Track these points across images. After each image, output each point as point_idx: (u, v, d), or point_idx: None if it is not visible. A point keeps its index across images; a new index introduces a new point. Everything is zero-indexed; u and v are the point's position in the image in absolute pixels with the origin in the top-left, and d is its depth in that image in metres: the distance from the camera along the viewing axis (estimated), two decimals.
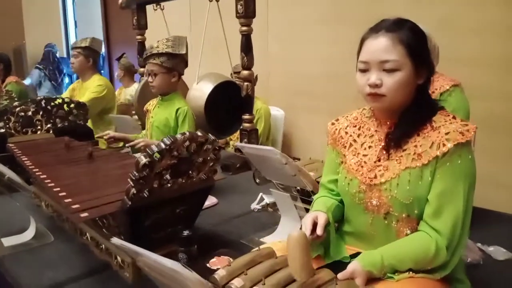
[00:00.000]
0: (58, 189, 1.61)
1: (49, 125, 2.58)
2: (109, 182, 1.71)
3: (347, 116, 1.41)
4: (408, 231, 1.19)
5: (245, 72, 2.91)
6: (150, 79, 2.38)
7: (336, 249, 1.28)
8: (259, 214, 2.19)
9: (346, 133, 1.37)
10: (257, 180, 2.22)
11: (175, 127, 2.39)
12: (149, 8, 3.70)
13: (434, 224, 1.13)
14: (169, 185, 1.43)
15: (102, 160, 2.05)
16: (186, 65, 2.46)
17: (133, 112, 4.19)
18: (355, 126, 1.36)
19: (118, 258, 1.53)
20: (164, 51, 2.31)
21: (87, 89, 3.46)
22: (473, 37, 2.67)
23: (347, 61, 3.44)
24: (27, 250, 1.80)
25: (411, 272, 1.13)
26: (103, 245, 1.63)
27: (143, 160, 1.29)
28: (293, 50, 3.83)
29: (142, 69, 3.90)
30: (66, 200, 1.48)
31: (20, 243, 1.84)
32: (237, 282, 1.01)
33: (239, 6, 2.81)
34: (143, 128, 2.97)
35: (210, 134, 1.46)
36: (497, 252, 1.70)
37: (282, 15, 3.92)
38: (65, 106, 2.71)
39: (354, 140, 1.34)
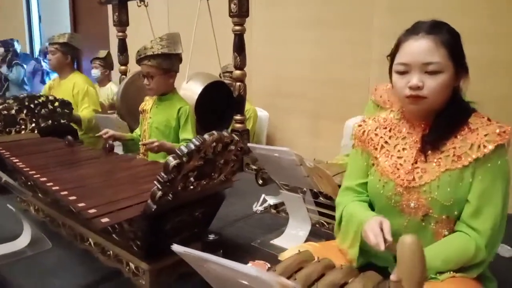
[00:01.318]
0: (66, 192, 1.51)
1: (33, 125, 2.43)
2: (118, 185, 1.63)
3: (374, 118, 1.40)
4: (446, 232, 1.20)
5: (238, 72, 2.87)
6: (146, 81, 2.27)
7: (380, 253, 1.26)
8: (262, 216, 2.16)
9: (376, 135, 1.36)
10: (260, 181, 2.19)
11: (177, 127, 2.31)
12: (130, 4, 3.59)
13: (473, 224, 1.15)
14: (192, 187, 1.37)
15: (103, 161, 1.95)
16: (181, 61, 2.38)
17: (109, 112, 4.06)
18: (385, 128, 1.36)
19: (131, 265, 1.47)
20: (160, 52, 2.21)
21: (65, 88, 3.28)
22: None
23: (331, 63, 3.56)
24: (24, 258, 1.68)
25: (452, 272, 1.14)
26: (111, 251, 1.55)
27: (173, 161, 1.23)
28: (277, 51, 3.81)
29: (123, 67, 3.77)
30: (80, 205, 1.39)
31: (15, 251, 1.71)
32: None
33: (232, 5, 2.77)
34: (131, 129, 2.86)
35: (233, 135, 1.41)
36: (503, 250, 1.76)
37: (266, 16, 3.91)
38: (49, 104, 2.56)
39: (386, 142, 1.33)
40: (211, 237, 1.32)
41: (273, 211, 2.18)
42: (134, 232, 1.41)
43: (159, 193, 1.26)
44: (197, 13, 2.97)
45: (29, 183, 1.93)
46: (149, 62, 2.22)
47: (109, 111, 4.06)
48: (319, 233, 1.90)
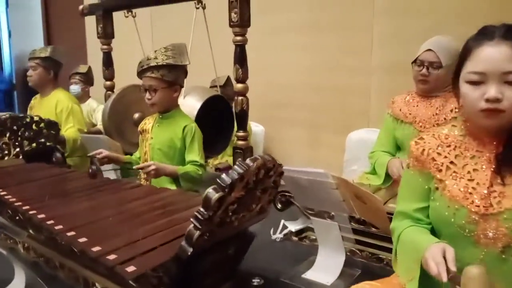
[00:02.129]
0: (73, 233, 1.26)
1: (17, 149, 2.15)
2: (131, 219, 1.39)
3: (433, 134, 1.23)
4: None
5: (240, 86, 2.66)
6: (148, 95, 2.04)
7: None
8: (283, 245, 1.96)
9: (439, 154, 1.19)
10: (279, 206, 1.99)
11: (182, 148, 2.07)
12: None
13: None
14: (229, 222, 1.16)
15: (106, 190, 1.71)
16: (186, 75, 2.16)
17: (92, 130, 3.78)
18: (449, 146, 1.19)
19: None
20: (164, 63, 1.99)
21: (47, 106, 2.99)
22: None
23: (329, 71, 3.42)
24: None
25: None
26: None
27: (215, 194, 1.02)
28: (271, 59, 3.63)
29: (108, 83, 3.50)
30: (94, 249, 1.15)
31: None
32: None
33: (233, 15, 2.57)
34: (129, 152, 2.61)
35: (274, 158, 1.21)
36: None
37: (258, 22, 3.73)
38: (33, 125, 2.28)
39: (451, 162, 1.17)
40: (256, 282, 1.10)
41: (294, 238, 1.98)
42: (159, 278, 1.18)
43: (197, 233, 1.04)
44: (193, 23, 2.77)
45: (17, 217, 1.66)
46: (153, 74, 2.00)
47: (90, 129, 3.78)
48: (353, 262, 1.72)
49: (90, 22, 4.35)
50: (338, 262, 1.65)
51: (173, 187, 2.00)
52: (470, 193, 1.11)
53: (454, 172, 1.16)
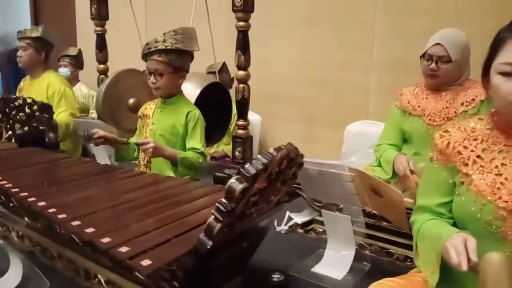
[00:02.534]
0: (78, 223, 1.18)
1: (10, 132, 2.04)
2: (138, 209, 1.32)
3: (459, 127, 1.19)
4: None
5: (241, 73, 2.60)
6: (152, 79, 1.95)
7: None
8: (288, 237, 1.90)
9: (466, 148, 1.15)
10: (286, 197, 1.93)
11: (184, 135, 1.99)
12: None
13: None
14: (248, 214, 1.10)
15: (106, 177, 1.63)
16: (192, 61, 2.08)
17: (82, 115, 3.66)
18: (476, 140, 1.15)
19: None
20: (174, 47, 1.90)
21: (38, 89, 2.87)
22: None
23: (328, 65, 3.36)
24: None
25: None
26: None
27: (239, 185, 0.95)
28: (269, 52, 3.55)
29: (102, 66, 3.38)
30: (104, 240, 1.08)
31: None
32: None
33: None
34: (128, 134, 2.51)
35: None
36: None
37: (258, 15, 3.65)
38: (26, 108, 2.17)
39: (478, 156, 1.13)
40: (276, 277, 1.05)
41: (300, 230, 1.92)
42: (171, 272, 1.11)
43: (218, 226, 0.98)
44: (194, 6, 2.68)
45: (11, 204, 1.57)
46: (160, 58, 1.91)
47: (81, 115, 3.65)
48: (362, 256, 1.67)
49: (81, 3, 4.20)
50: (348, 256, 1.60)
51: (171, 173, 1.93)
52: (498, 188, 1.08)
53: (481, 166, 1.12)
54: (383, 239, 1.72)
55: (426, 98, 2.08)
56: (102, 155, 2.64)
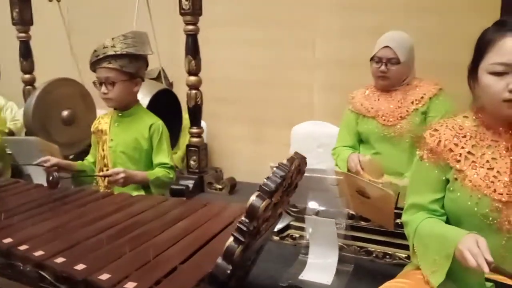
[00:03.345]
0: (63, 259, 1.03)
1: None
2: (123, 237, 1.18)
3: (447, 125, 1.23)
4: None
5: (193, 78, 2.51)
6: (103, 89, 1.76)
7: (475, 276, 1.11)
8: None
9: (456, 145, 1.19)
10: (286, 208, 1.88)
11: (149, 149, 1.82)
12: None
13: None
14: (261, 231, 1.04)
15: (70, 202, 1.45)
16: (147, 67, 1.93)
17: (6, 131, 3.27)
18: (465, 137, 1.20)
19: None
20: (124, 52, 1.75)
21: None
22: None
23: (272, 65, 3.36)
24: None
25: None
26: None
27: (262, 203, 0.89)
28: (211, 54, 3.47)
29: (27, 76, 3.06)
30: (103, 277, 0.94)
31: None
32: None
33: (184, 2, 2.40)
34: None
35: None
36: None
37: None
38: None
39: (469, 152, 1.18)
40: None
41: (275, 237, 1.89)
42: None
43: (240, 248, 0.91)
44: (135, 10, 2.52)
45: None
46: (110, 64, 1.73)
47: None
48: (342, 258, 1.68)
49: None
50: (332, 260, 1.60)
51: (140, 192, 1.78)
52: (492, 182, 1.12)
53: (473, 161, 1.17)
54: (361, 238, 1.75)
55: (378, 100, 2.15)
56: (40, 175, 2.38)
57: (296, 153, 1.07)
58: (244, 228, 0.90)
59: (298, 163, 1.03)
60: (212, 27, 3.27)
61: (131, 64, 1.78)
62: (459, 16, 2.60)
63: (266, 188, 0.91)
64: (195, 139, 2.56)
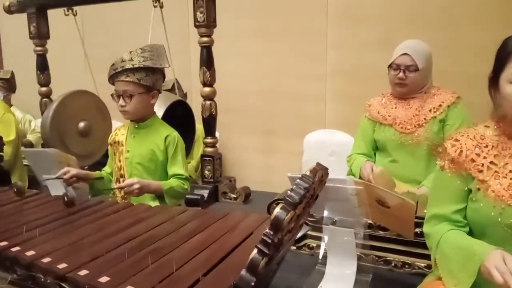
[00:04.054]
0: (86, 271, 1.04)
1: None
2: (145, 248, 1.19)
3: (468, 135, 1.22)
4: None
5: (207, 89, 2.53)
6: (121, 102, 1.79)
7: None
8: None
9: (478, 155, 1.18)
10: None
11: (165, 160, 1.84)
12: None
13: None
14: (284, 242, 1.04)
15: (89, 215, 1.46)
16: (164, 79, 1.95)
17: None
18: (486, 147, 1.19)
19: None
20: (142, 65, 1.77)
21: None
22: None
23: (284, 76, 3.38)
24: None
25: None
26: None
27: (286, 215, 0.89)
28: (223, 66, 3.51)
29: (43, 88, 3.11)
30: None
31: None
32: None
33: (198, 14, 2.43)
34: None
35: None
36: None
37: None
38: None
39: (491, 162, 1.17)
40: None
41: (292, 247, 1.88)
42: None
43: (264, 260, 0.91)
44: (151, 22, 2.56)
45: None
46: (128, 78, 1.76)
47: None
48: (361, 267, 1.67)
49: (7, 20, 3.83)
50: (351, 270, 1.59)
51: (155, 202, 1.79)
52: None
53: (496, 172, 1.16)
54: (379, 248, 1.74)
55: (395, 107, 2.14)
56: (57, 187, 2.41)
57: (318, 164, 1.07)
58: (269, 240, 0.90)
59: (321, 174, 1.03)
60: (223, 39, 3.31)
61: (148, 77, 1.80)
62: (464, 27, 2.61)
63: (291, 200, 0.91)
64: (209, 149, 2.57)
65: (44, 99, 3.10)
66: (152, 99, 1.86)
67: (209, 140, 2.58)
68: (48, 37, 3.03)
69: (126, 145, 1.87)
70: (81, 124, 2.93)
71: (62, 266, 1.07)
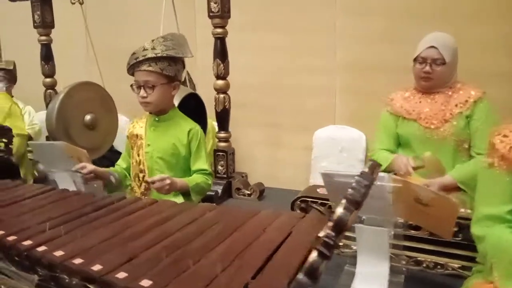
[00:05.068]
0: (125, 274, 0.96)
1: None
2: (181, 249, 1.12)
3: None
4: None
5: (221, 82, 2.45)
6: (143, 93, 1.70)
7: None
8: None
9: None
10: (298, 212, 1.82)
11: (187, 155, 1.76)
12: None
13: None
14: None
15: (115, 211, 1.39)
16: (184, 70, 1.87)
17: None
18: None
19: None
20: (164, 54, 1.69)
21: None
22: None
23: (292, 70, 3.31)
24: None
25: None
26: None
27: (349, 215, 0.82)
28: (232, 58, 3.43)
29: (48, 79, 3.00)
30: None
31: None
32: None
33: (213, 4, 2.34)
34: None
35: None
36: None
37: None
38: None
39: None
40: None
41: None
42: None
43: (324, 263, 0.84)
44: (162, 13, 2.46)
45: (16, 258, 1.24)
46: (150, 67, 1.67)
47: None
48: (393, 268, 1.61)
49: (5, 8, 3.70)
50: (383, 270, 1.53)
51: (179, 198, 1.72)
52: None
53: None
54: (410, 248, 1.68)
55: (420, 102, 2.08)
56: (66, 181, 2.32)
57: (369, 159, 1.00)
58: (331, 242, 0.83)
59: (378, 171, 0.96)
60: (231, 32, 3.23)
61: (171, 67, 1.72)
62: (473, 23, 2.55)
63: (353, 199, 0.84)
64: (222, 144, 2.50)
65: (49, 91, 2.99)
66: (174, 90, 1.79)
67: (222, 134, 2.50)
68: (53, 26, 2.93)
69: (146, 139, 1.79)
70: (87, 117, 2.84)
71: (97, 268, 0.99)
